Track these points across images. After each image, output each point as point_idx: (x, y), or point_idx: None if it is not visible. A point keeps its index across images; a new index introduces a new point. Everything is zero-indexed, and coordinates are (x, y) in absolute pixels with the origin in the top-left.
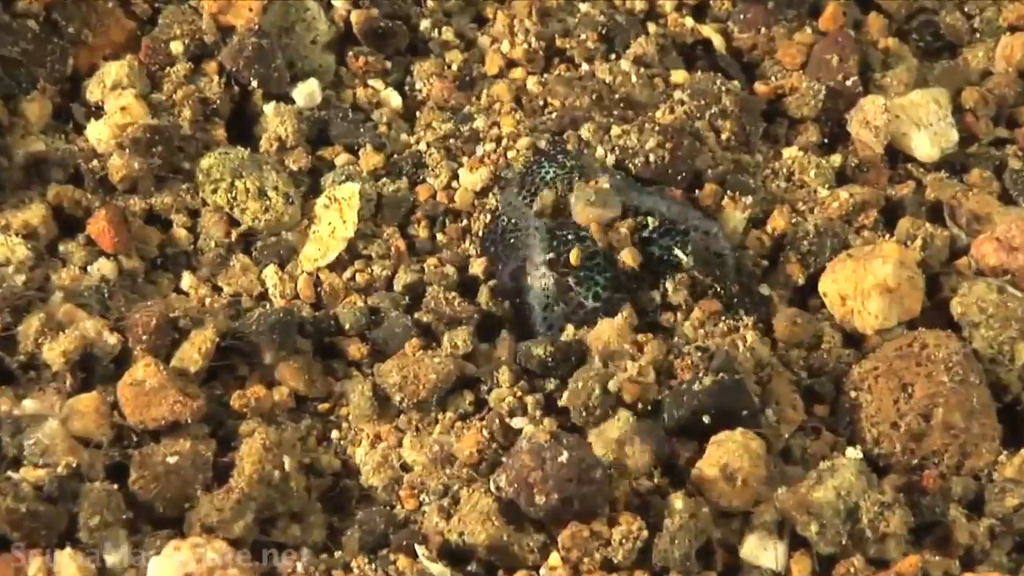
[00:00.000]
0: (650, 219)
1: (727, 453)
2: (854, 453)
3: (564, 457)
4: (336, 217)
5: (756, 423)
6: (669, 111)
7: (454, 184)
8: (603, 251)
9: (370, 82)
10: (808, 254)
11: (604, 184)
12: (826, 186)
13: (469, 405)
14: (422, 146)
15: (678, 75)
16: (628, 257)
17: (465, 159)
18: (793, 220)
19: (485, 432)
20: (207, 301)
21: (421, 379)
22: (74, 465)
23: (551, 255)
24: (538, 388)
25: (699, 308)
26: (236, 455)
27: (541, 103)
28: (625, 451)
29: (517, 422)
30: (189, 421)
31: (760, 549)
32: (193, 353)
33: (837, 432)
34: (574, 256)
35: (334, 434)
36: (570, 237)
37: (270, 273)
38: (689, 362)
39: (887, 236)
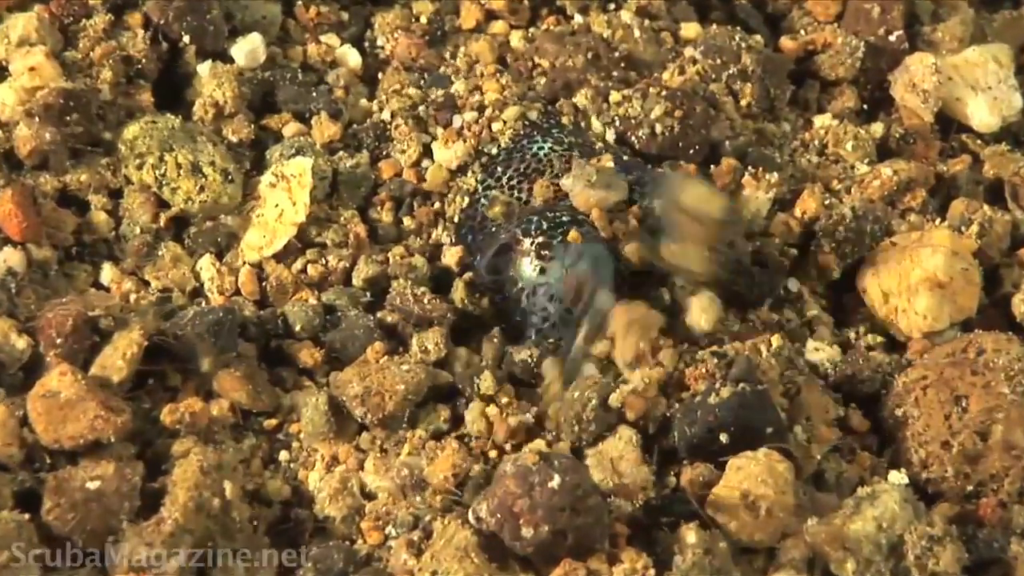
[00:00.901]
0: (657, 203)
1: (748, 478)
2: (898, 478)
3: (555, 482)
4: (284, 198)
5: (783, 442)
6: (679, 72)
7: (424, 161)
8: (607, 241)
9: (323, 37)
10: (844, 242)
11: (608, 162)
12: (865, 161)
13: (443, 421)
14: (386, 114)
15: (689, 29)
16: (631, 254)
17: (439, 131)
18: (827, 201)
19: (462, 452)
20: (132, 297)
21: (386, 390)
22: None
23: (542, 239)
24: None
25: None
26: (168, 480)
27: (528, 64)
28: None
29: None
30: (112, 439)
31: None
32: (116, 359)
33: (878, 453)
34: (573, 236)
35: (283, 455)
36: (566, 219)
37: (206, 264)
38: (703, 370)
39: (937, 221)
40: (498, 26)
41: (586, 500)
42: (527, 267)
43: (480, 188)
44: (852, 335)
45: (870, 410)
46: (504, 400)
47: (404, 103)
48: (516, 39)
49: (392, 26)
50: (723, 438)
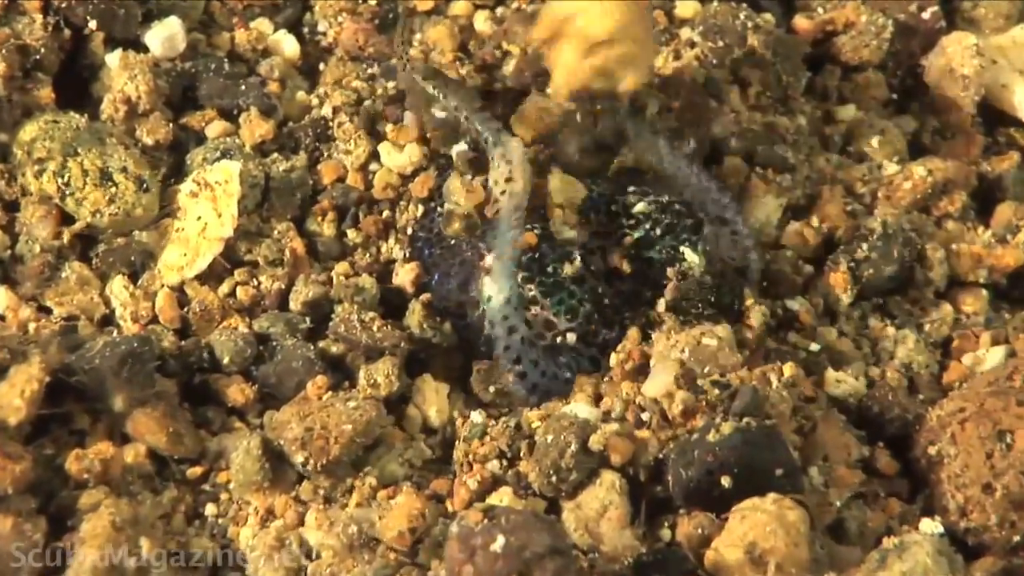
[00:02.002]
0: (636, 201)
1: (755, 528)
2: (932, 527)
3: (498, 544)
4: (208, 209)
5: (795, 486)
6: (674, 57)
7: (373, 164)
8: (583, 248)
9: (253, 23)
10: (864, 263)
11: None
12: (895, 159)
13: (400, 463)
14: (327, 110)
15: (686, 7)
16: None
17: (388, 128)
18: (849, 207)
19: (420, 502)
20: (31, 326)
21: (331, 432)
22: None
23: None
24: (492, 440)
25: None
26: (75, 537)
27: (494, 50)
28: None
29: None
30: (10, 491)
31: None
32: (13, 398)
33: (909, 499)
34: (532, 237)
35: (210, 509)
36: (538, 230)
37: (118, 287)
38: (702, 403)
39: (980, 228)
40: (460, 6)
41: (542, 562)
42: (492, 288)
43: (436, 196)
44: (877, 368)
45: (899, 449)
46: (474, 444)
47: (348, 97)
48: (481, 21)
49: (335, 8)
50: (724, 482)
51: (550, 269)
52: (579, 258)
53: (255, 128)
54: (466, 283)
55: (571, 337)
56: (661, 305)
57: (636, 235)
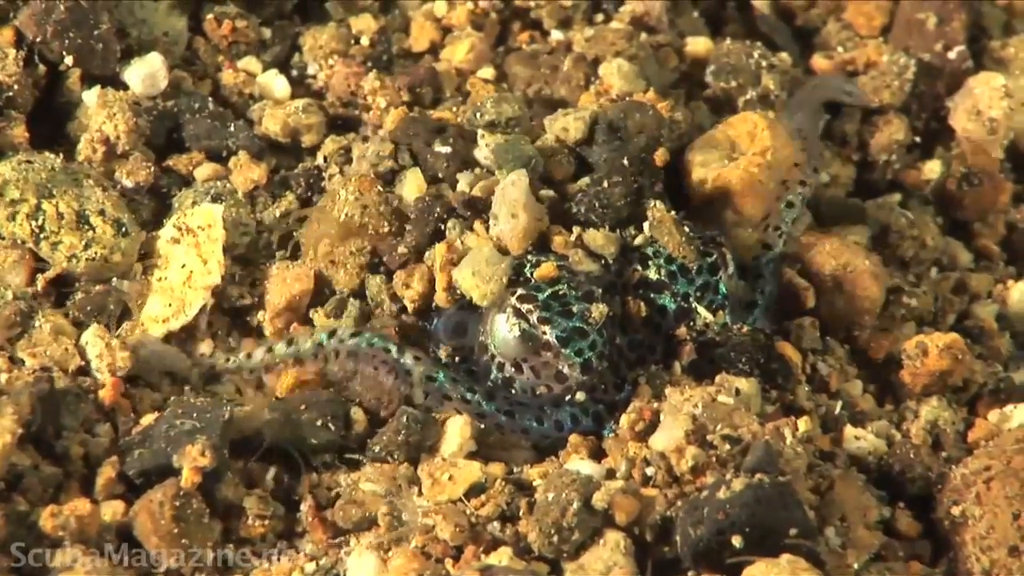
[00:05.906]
0: (636, 232)
1: None
2: None
3: None
4: (193, 256)
5: (810, 547)
6: (685, 99)
7: None
8: (598, 289)
9: (240, 62)
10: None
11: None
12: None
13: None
14: (319, 159)
15: (698, 44)
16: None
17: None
18: None
19: (417, 564)
20: (3, 378)
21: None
22: None
23: (521, 291)
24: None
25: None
26: None
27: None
28: None
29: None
30: None
31: None
32: None
33: (931, 562)
34: (545, 270)
35: None
36: (556, 260)
37: (93, 338)
38: (712, 458)
39: (1009, 282)
40: (458, 47)
41: None
42: (502, 328)
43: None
44: (897, 421)
45: (922, 510)
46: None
47: (339, 144)
48: (479, 61)
49: (326, 50)
50: (736, 541)
51: (575, 310)
52: (601, 299)
53: (246, 173)
54: (463, 327)
55: (580, 395)
56: (678, 367)
57: (646, 273)
